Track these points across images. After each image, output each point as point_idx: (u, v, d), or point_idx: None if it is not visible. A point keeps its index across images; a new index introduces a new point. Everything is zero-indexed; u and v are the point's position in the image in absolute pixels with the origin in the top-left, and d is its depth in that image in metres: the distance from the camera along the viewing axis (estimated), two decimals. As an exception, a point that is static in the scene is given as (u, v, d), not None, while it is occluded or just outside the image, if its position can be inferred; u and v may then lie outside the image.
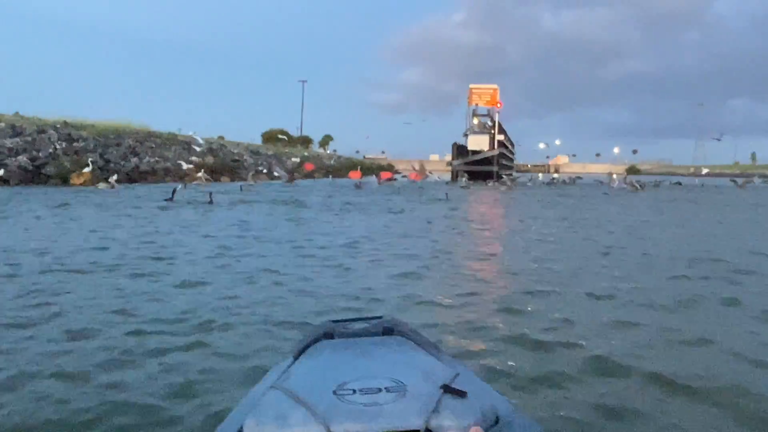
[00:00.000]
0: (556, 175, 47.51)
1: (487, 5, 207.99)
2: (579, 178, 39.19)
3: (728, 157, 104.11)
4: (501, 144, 42.22)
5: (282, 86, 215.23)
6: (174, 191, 15.15)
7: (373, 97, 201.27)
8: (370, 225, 10.62)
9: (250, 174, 31.60)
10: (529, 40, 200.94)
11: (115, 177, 20.31)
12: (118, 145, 26.49)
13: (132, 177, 23.97)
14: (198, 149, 31.35)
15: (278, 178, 31.02)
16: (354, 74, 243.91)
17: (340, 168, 40.60)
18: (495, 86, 43.18)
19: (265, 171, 33.19)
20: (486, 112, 43.85)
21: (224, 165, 32.08)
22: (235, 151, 37.35)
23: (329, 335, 1.26)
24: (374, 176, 39.28)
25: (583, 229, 10.27)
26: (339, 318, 1.45)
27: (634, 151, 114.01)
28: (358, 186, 27.80)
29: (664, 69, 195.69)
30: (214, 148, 35.73)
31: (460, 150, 42.48)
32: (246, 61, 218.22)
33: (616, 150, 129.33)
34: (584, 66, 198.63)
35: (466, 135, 43.57)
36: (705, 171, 45.47)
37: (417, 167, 38.08)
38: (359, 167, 39.83)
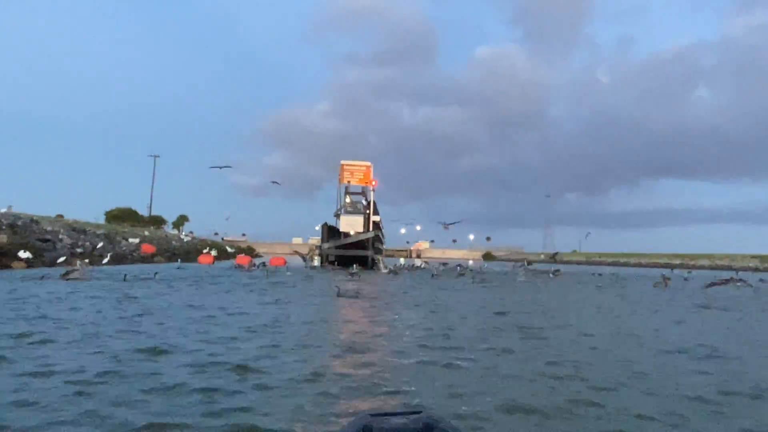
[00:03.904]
0: (419, 262, 47.26)
1: (349, 98, 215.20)
2: (445, 264, 37.22)
3: (571, 245, 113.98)
4: (376, 226, 38.41)
5: (132, 162, 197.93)
6: None
7: (235, 179, 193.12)
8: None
9: (62, 259, 24.43)
10: (390, 132, 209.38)
11: None
12: None
13: None
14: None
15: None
16: (213, 155, 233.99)
17: (189, 251, 33.91)
18: (368, 163, 39.62)
19: (82, 253, 26.05)
20: (360, 191, 40.30)
21: (25, 245, 24.49)
22: (49, 228, 29.51)
23: (368, 430, 1.16)
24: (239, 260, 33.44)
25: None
26: (376, 411, 1.27)
27: (488, 238, 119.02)
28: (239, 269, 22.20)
29: (510, 164, 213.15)
30: (19, 224, 27.84)
31: (330, 231, 38.03)
32: (91, 135, 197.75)
33: (471, 237, 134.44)
34: (439, 158, 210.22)
35: (337, 215, 39.40)
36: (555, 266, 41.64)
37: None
38: (208, 249, 33.33)
